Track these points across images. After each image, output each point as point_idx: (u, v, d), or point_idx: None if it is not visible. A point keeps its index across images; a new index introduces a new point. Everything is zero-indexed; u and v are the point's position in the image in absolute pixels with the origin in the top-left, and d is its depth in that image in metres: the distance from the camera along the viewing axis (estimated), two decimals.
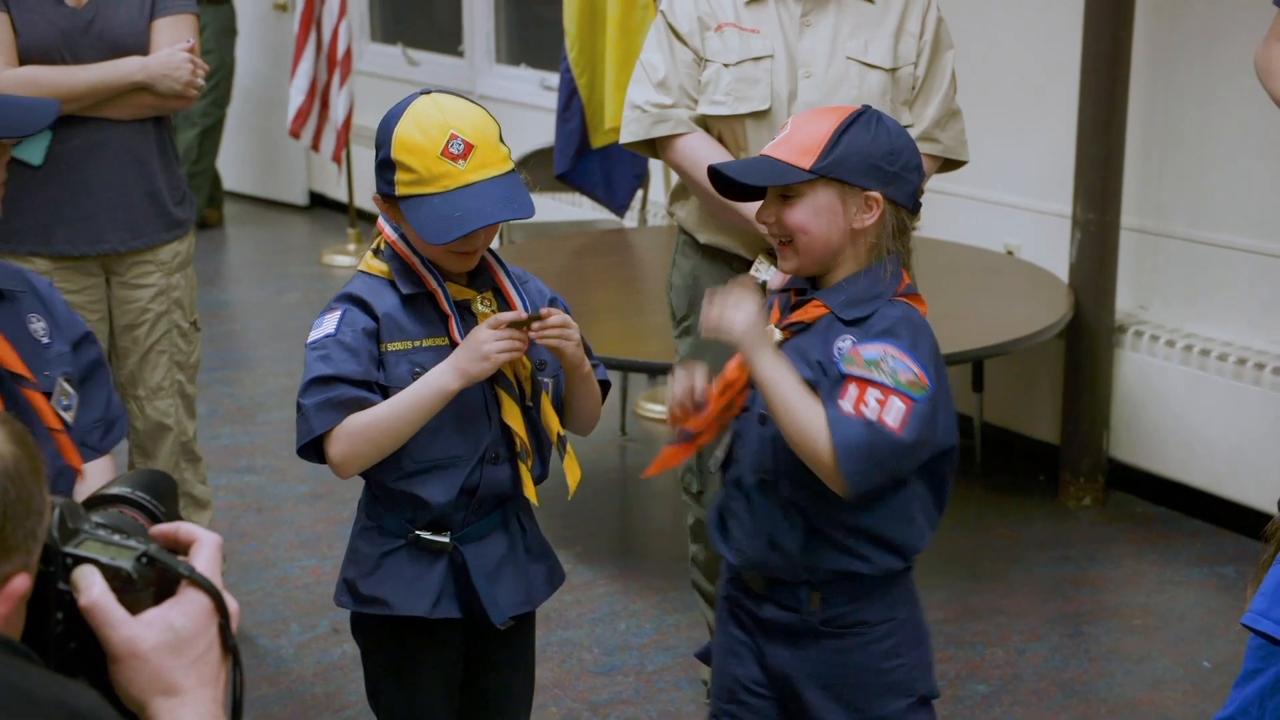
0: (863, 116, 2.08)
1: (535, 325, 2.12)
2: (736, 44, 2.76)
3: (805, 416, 2.00)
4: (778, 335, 2.12)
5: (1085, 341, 4.18)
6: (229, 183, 7.61)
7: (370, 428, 2.09)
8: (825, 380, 2.04)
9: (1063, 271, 4.26)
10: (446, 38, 6.91)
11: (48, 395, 1.90)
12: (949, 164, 2.86)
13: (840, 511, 2.07)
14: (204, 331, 3.38)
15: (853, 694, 2.14)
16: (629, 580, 3.81)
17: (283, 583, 3.78)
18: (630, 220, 5.32)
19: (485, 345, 2.09)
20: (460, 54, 6.80)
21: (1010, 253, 4.52)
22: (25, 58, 3.01)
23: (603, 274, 4.53)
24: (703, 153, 2.81)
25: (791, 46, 2.76)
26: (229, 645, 1.21)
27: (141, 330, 3.22)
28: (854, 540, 2.09)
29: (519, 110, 6.38)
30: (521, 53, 6.62)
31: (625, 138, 2.89)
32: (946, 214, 4.44)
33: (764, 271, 2.80)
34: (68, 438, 1.91)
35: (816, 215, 2.07)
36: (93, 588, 1.16)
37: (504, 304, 2.19)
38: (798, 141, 2.08)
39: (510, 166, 2.11)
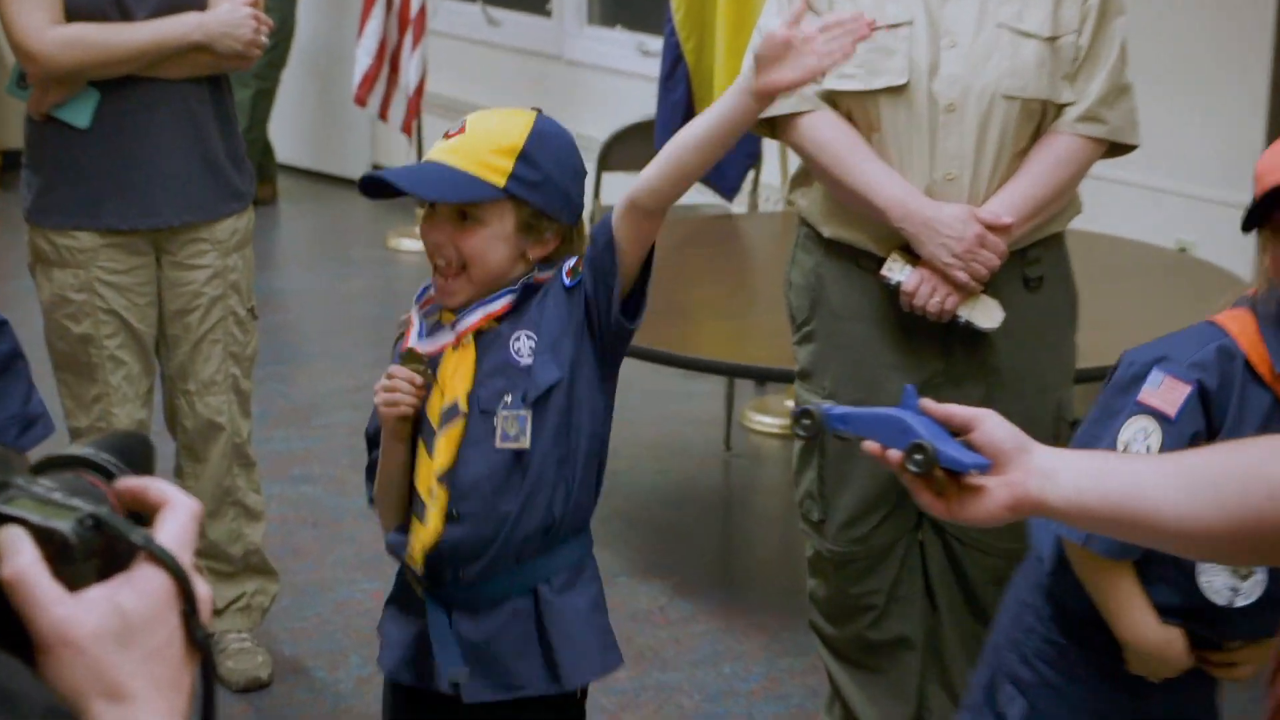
0: None
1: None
2: (869, 8, 2.77)
3: None
4: None
5: None
6: (283, 155, 7.74)
7: None
8: None
9: (1245, 272, 4.22)
10: None
11: None
12: (1116, 148, 2.85)
13: None
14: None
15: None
16: (733, 617, 3.84)
17: (341, 608, 3.85)
18: (739, 205, 5.35)
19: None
20: (548, 13, 6.87)
21: (1183, 250, 4.49)
22: (72, 14, 3.10)
23: (707, 266, 4.56)
24: (828, 133, 2.83)
25: (933, 12, 2.77)
26: (196, 640, 1.05)
27: (194, 316, 3.30)
28: None
29: (613, 78, 6.43)
30: (617, 12, 6.68)
31: None
32: (1110, 205, 4.41)
33: (897, 271, 2.82)
34: None
35: None
36: (19, 555, 1.01)
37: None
38: None
39: (466, 164, 2.13)
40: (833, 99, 2.84)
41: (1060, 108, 2.78)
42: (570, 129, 2.28)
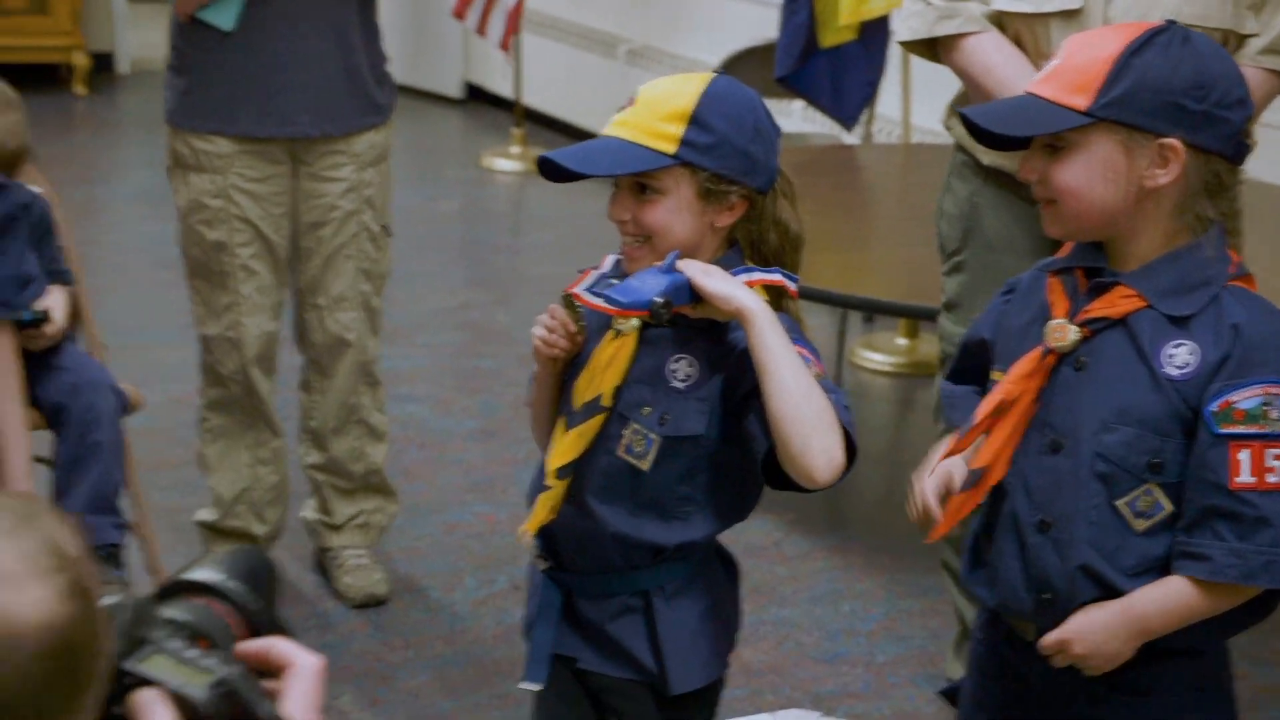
0: (1160, 36, 1.97)
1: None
2: None
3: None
4: (1075, 333, 1.98)
5: None
6: None
7: None
8: (1199, 437, 1.91)
9: None
10: None
11: None
12: None
13: None
14: None
15: None
16: (851, 555, 3.84)
17: (453, 529, 3.87)
18: (853, 136, 5.31)
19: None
20: None
21: None
22: None
23: (821, 197, 4.51)
24: (995, 57, 2.78)
25: None
26: None
27: (328, 230, 3.31)
28: None
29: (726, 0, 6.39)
30: None
31: (903, 35, 2.88)
32: None
33: None
34: None
35: (1090, 172, 1.95)
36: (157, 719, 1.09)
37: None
38: (1070, 73, 1.97)
39: (636, 135, 2.07)
40: (1000, 20, 2.80)
41: (1243, 38, 2.73)
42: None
